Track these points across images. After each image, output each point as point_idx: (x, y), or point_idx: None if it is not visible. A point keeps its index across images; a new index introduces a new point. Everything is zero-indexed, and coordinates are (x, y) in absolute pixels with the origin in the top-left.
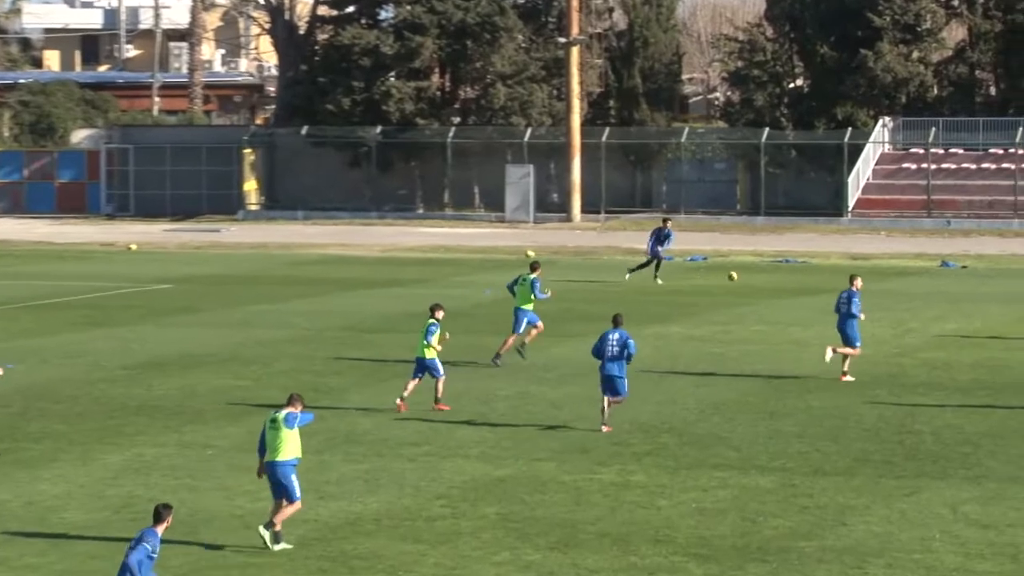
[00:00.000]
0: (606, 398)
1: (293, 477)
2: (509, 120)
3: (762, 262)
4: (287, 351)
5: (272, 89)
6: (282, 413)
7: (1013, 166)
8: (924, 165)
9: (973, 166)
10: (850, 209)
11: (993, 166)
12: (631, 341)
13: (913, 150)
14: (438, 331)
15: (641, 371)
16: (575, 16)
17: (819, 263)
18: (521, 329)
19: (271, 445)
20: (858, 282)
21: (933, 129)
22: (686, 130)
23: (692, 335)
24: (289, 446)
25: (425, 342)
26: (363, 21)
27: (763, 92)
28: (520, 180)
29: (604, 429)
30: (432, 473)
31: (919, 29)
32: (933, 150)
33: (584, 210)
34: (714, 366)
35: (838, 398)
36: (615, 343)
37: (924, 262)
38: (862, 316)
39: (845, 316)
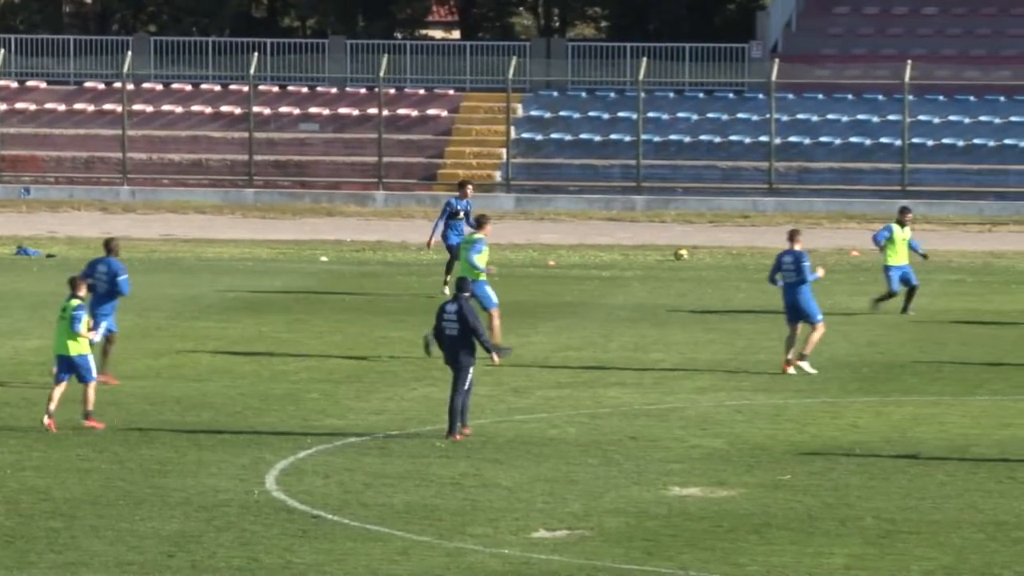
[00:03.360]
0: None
1: None
2: None
3: None
4: None
5: None
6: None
7: (119, 107)
8: None
9: (61, 106)
10: None
11: (91, 107)
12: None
13: None
14: None
15: None
16: None
17: None
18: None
19: None
20: (801, 241)
21: (2, 51)
22: None
23: None
24: None
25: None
26: None
27: None
28: None
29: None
30: None
31: None
32: (3, 83)
33: None
34: None
35: None
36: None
37: None
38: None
39: (795, 285)
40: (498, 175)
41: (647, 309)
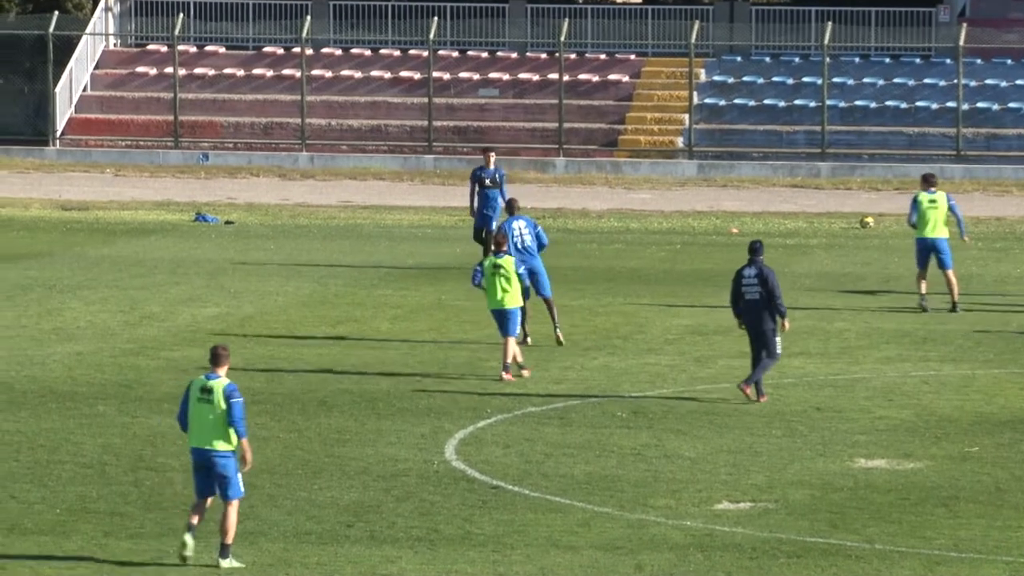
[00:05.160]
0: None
1: None
2: None
3: None
4: None
5: None
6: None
7: (298, 72)
8: (169, 70)
9: (239, 72)
10: (59, 134)
11: (270, 72)
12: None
13: (153, 47)
14: None
15: None
16: None
17: (13, 215)
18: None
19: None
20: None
21: (181, 16)
22: None
23: None
24: None
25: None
26: None
27: None
28: None
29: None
30: None
31: None
32: (182, 48)
33: None
34: None
35: (46, 420)
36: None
37: (171, 214)
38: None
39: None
40: (680, 141)
41: (832, 277)
